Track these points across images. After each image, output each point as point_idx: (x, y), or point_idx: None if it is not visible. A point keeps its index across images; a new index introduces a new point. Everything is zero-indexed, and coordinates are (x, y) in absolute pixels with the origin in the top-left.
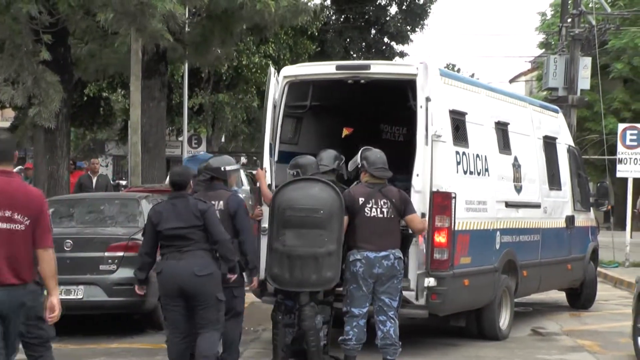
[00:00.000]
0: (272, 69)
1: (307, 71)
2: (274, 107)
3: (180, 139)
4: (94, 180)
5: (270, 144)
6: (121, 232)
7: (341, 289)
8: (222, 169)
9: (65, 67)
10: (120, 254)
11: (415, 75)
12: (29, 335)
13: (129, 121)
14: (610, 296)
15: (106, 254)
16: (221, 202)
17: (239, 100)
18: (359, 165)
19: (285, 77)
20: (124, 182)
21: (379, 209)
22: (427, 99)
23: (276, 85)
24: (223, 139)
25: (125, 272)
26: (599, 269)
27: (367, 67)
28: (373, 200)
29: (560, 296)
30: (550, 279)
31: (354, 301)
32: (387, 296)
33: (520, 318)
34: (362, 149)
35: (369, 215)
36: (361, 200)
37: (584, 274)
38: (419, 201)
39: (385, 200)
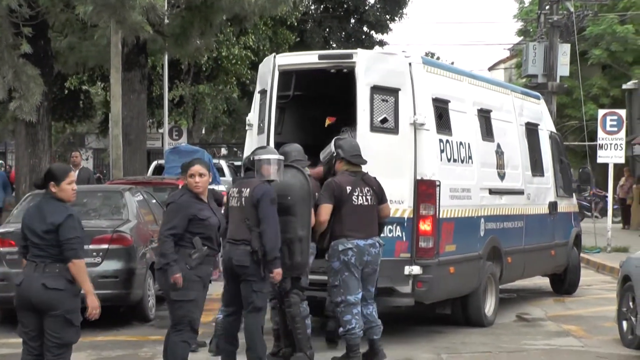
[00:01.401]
0: (273, 56)
1: (289, 61)
2: (270, 96)
3: (160, 131)
4: (76, 174)
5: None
6: (105, 225)
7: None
8: (252, 158)
9: (45, 60)
10: (105, 246)
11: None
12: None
13: (109, 114)
14: (593, 281)
15: (90, 246)
16: (248, 190)
17: (219, 91)
18: (334, 154)
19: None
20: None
21: (363, 197)
22: (381, 88)
23: (275, 73)
24: (204, 131)
25: (110, 265)
26: (581, 254)
27: (350, 56)
28: (358, 189)
29: (544, 282)
30: (534, 265)
31: (348, 290)
32: (370, 284)
33: (505, 304)
34: (335, 138)
35: (356, 203)
36: (348, 189)
37: (568, 260)
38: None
39: (368, 188)
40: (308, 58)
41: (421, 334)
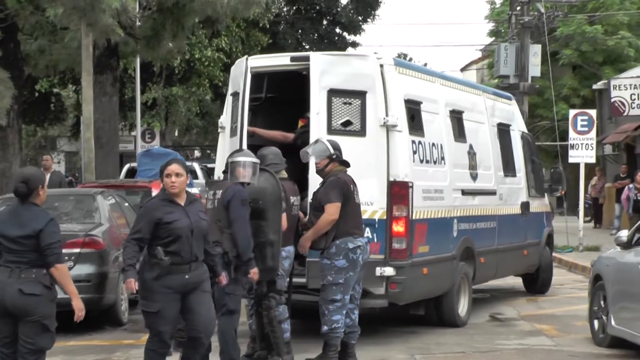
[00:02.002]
0: (245, 59)
1: (261, 63)
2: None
3: (133, 133)
4: (47, 178)
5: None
6: (77, 229)
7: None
8: (227, 160)
9: (15, 63)
10: (77, 250)
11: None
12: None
13: (81, 117)
14: (565, 280)
15: (63, 250)
16: (220, 192)
17: (192, 93)
18: (333, 155)
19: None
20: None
21: (358, 196)
22: (339, 91)
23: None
24: (177, 133)
25: (83, 269)
26: (553, 254)
27: (308, 58)
28: (356, 188)
29: (517, 282)
30: (507, 265)
31: (347, 289)
32: (359, 285)
33: (479, 304)
34: (326, 139)
35: (357, 201)
36: (352, 187)
37: (540, 259)
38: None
39: (357, 188)
40: (280, 60)
41: (395, 335)
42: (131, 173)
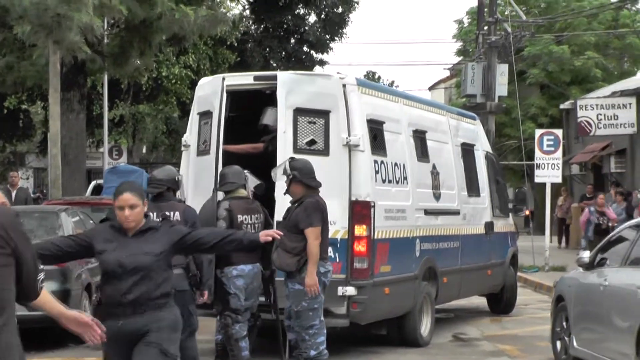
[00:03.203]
0: (221, 78)
1: (229, 82)
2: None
3: (101, 150)
4: (13, 194)
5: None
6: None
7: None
8: (177, 178)
9: None
10: (40, 267)
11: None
12: None
13: (48, 134)
14: (531, 300)
15: None
16: (177, 213)
17: (159, 111)
18: (290, 176)
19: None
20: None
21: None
22: (305, 110)
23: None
24: (144, 150)
25: (45, 286)
26: (519, 273)
27: (275, 77)
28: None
29: (481, 302)
30: (470, 285)
31: (321, 312)
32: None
33: (442, 324)
34: (289, 159)
35: (328, 225)
36: (326, 211)
37: (504, 279)
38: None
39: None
40: (243, 79)
41: (357, 355)
42: (97, 190)
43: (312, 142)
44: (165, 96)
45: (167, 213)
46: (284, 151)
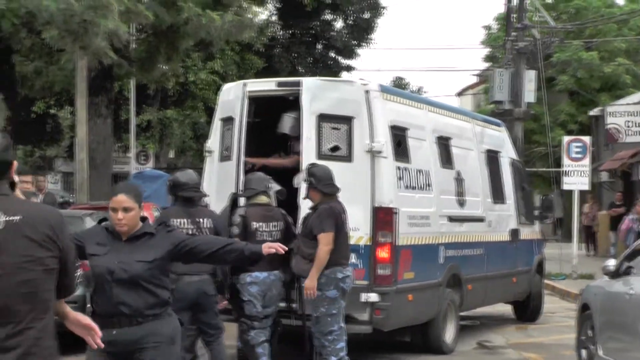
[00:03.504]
0: (242, 84)
1: (251, 88)
2: (240, 123)
3: (128, 155)
4: (41, 199)
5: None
6: None
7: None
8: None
9: (9, 85)
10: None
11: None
12: None
13: (75, 138)
14: (557, 308)
15: None
16: (209, 220)
17: (186, 116)
18: (308, 182)
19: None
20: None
21: (347, 224)
22: (328, 116)
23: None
24: (173, 155)
25: None
26: (546, 281)
27: (299, 83)
28: (346, 216)
29: (507, 309)
30: (495, 292)
31: (340, 318)
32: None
33: (467, 331)
34: (307, 165)
35: (346, 231)
36: (343, 216)
37: (530, 287)
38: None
39: (346, 216)
40: (266, 85)
41: None
42: None
43: (335, 148)
44: (192, 101)
45: (198, 219)
46: (308, 157)
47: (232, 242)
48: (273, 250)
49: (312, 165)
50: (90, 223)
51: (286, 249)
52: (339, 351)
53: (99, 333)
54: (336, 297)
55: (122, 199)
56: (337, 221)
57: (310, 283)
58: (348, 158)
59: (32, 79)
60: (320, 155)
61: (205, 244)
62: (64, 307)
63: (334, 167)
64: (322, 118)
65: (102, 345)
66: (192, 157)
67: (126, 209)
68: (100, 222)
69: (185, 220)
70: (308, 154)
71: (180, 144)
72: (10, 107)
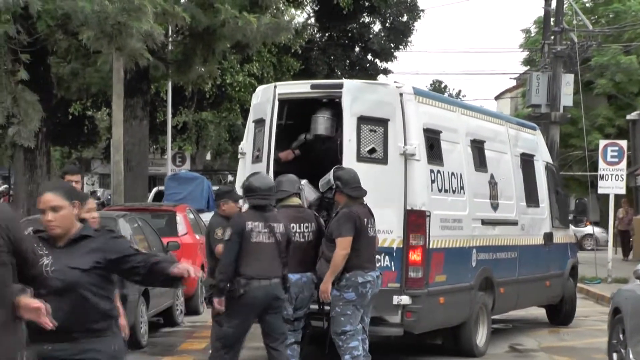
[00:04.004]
0: (273, 86)
1: (281, 90)
2: (270, 125)
3: (165, 157)
4: None
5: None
6: None
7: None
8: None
9: (44, 86)
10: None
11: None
12: None
13: (111, 140)
14: (591, 312)
15: None
16: (281, 226)
17: (222, 118)
18: (334, 186)
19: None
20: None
21: (372, 229)
22: (367, 119)
23: (275, 103)
24: (209, 157)
25: None
26: (581, 285)
27: (341, 85)
28: (370, 220)
29: (540, 313)
30: (528, 296)
31: (355, 320)
32: (368, 316)
33: (500, 335)
34: (334, 168)
35: (371, 235)
36: (365, 220)
37: (563, 291)
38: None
39: (373, 220)
40: (300, 87)
41: None
42: (159, 196)
43: (372, 150)
44: (228, 103)
45: (272, 224)
46: (348, 160)
47: (161, 261)
48: (185, 274)
49: (338, 168)
50: (123, 225)
51: (197, 275)
52: (352, 349)
53: (47, 310)
54: (352, 299)
55: (48, 197)
56: (356, 224)
57: (324, 286)
58: (384, 161)
59: (68, 80)
60: (360, 158)
61: (143, 267)
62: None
63: (371, 169)
64: (362, 120)
65: (51, 325)
66: (229, 159)
67: (55, 209)
68: (35, 232)
69: (260, 224)
70: (349, 157)
71: (217, 146)
72: (45, 108)
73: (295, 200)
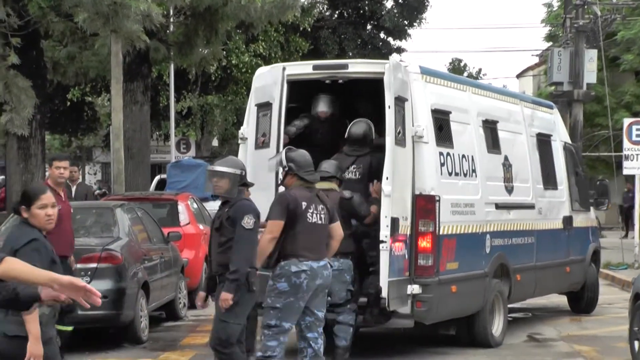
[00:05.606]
0: (281, 68)
1: (290, 71)
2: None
3: (168, 143)
4: (73, 189)
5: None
6: (94, 243)
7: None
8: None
9: (38, 71)
10: (94, 265)
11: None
12: None
13: (111, 126)
14: (616, 299)
15: (78, 265)
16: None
17: (228, 102)
18: (285, 168)
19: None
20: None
21: (317, 215)
22: (399, 99)
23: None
24: (216, 142)
25: (99, 284)
26: (606, 271)
27: (345, 66)
28: (313, 206)
29: (561, 300)
30: (547, 283)
31: (287, 316)
32: (320, 310)
33: (518, 324)
34: (285, 149)
35: (310, 221)
36: (304, 204)
37: (585, 277)
38: (387, 205)
39: (322, 206)
40: (302, 69)
41: (423, 355)
42: (162, 185)
43: (399, 132)
44: (234, 86)
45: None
46: (391, 144)
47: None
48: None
49: (290, 149)
50: (120, 215)
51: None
52: (268, 348)
53: (97, 293)
54: (285, 290)
55: (51, 196)
56: (289, 208)
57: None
58: (403, 143)
59: (64, 65)
60: (397, 141)
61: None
62: (44, 272)
63: (399, 153)
64: (397, 100)
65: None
66: (237, 145)
67: (55, 206)
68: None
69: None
70: (391, 141)
71: (223, 132)
72: (39, 94)
73: (325, 184)
